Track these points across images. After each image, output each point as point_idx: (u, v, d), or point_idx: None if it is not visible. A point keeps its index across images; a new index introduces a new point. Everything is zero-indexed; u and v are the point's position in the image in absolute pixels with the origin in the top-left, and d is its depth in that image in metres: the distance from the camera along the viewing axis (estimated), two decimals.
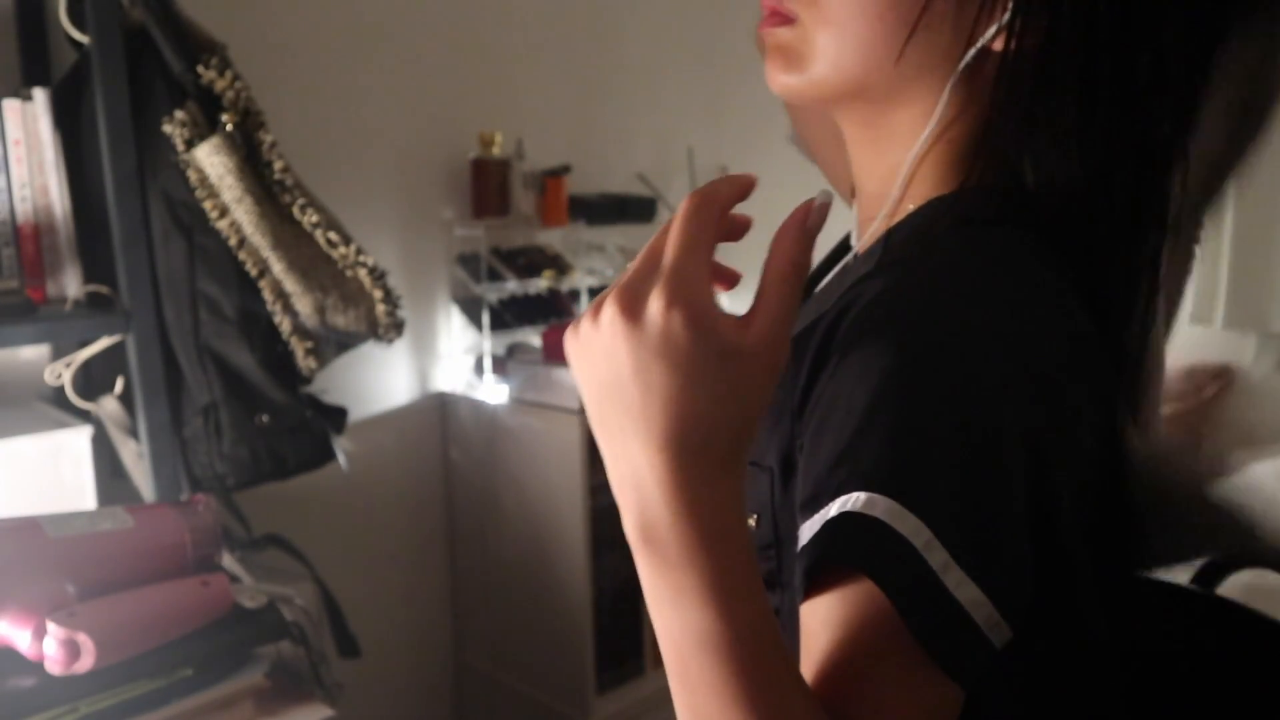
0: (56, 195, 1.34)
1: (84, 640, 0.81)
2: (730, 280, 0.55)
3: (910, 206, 0.63)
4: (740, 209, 0.52)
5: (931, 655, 0.47)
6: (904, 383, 0.50)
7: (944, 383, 0.50)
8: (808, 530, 0.51)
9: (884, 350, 0.51)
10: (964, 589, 0.47)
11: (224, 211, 1.30)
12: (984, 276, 0.55)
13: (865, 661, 0.48)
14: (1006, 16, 0.57)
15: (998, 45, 0.58)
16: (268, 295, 1.33)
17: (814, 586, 0.50)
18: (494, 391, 2.11)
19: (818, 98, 0.64)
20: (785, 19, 0.62)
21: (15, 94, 1.33)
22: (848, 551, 0.48)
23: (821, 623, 0.50)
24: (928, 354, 0.51)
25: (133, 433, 1.37)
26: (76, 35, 1.34)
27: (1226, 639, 0.75)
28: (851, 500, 0.48)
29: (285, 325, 1.35)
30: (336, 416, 1.47)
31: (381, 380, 2.07)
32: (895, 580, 0.47)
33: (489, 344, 2.15)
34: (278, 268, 1.33)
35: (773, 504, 0.59)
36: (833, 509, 0.49)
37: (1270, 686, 0.73)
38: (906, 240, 0.61)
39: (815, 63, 0.62)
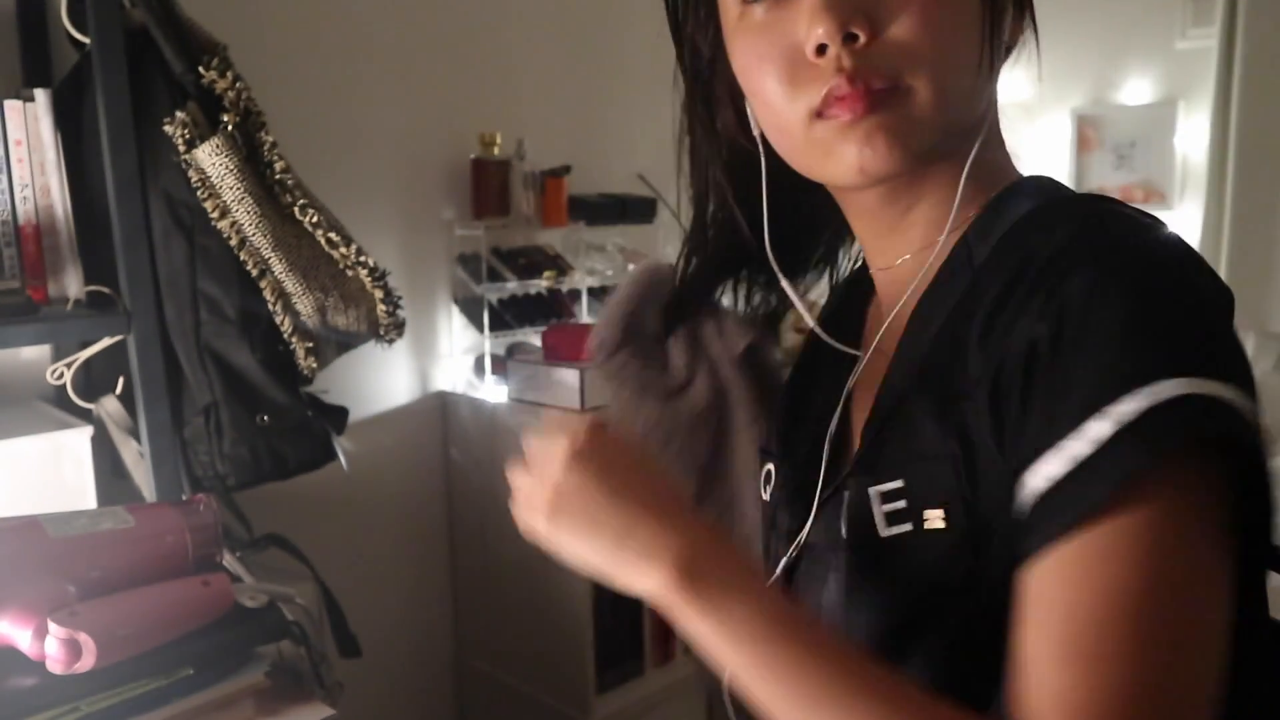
0: (58, 195, 1.34)
1: (85, 640, 0.81)
2: None
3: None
4: None
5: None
6: (1143, 305, 0.52)
7: (1180, 301, 0.52)
8: (1060, 465, 0.51)
9: (1099, 292, 0.52)
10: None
11: (225, 212, 1.30)
12: (1139, 223, 0.58)
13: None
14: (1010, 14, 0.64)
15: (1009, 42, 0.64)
16: (268, 295, 1.33)
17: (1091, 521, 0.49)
18: (494, 391, 2.11)
19: (913, 166, 0.62)
20: (880, 90, 0.59)
21: (16, 94, 1.33)
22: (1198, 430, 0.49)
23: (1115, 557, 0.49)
24: (1149, 283, 0.52)
25: (133, 432, 1.37)
26: (78, 36, 1.34)
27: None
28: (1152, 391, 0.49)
29: (286, 325, 1.35)
30: (337, 416, 1.47)
31: (382, 380, 2.07)
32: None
33: (489, 344, 2.15)
34: (278, 268, 1.33)
35: (961, 490, 0.57)
36: (1128, 411, 0.49)
37: (1269, 686, 0.72)
38: (1009, 229, 0.62)
39: (926, 125, 0.60)
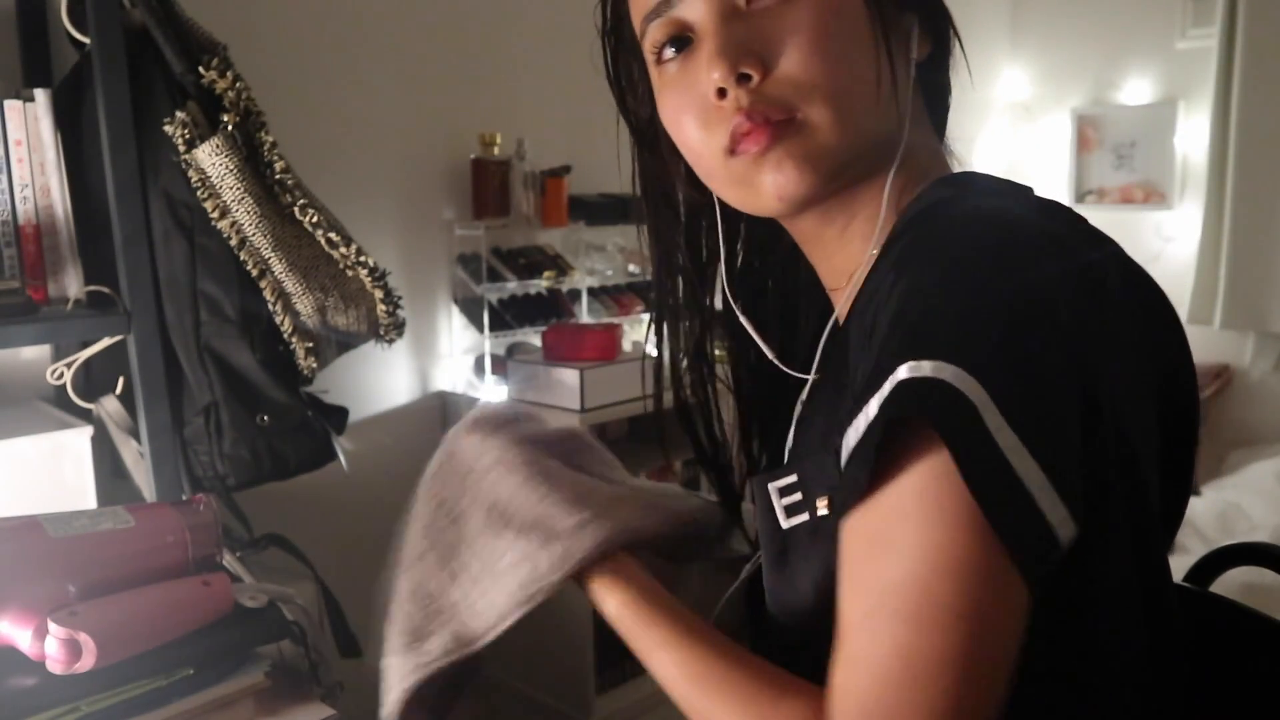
0: (58, 195, 1.34)
1: (85, 640, 0.81)
2: None
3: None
4: None
5: (989, 520, 0.49)
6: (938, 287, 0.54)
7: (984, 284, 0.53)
8: (851, 436, 0.54)
9: (921, 273, 0.55)
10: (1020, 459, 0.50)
11: (225, 212, 1.30)
12: (991, 210, 0.59)
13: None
14: (915, 30, 0.67)
15: (916, 56, 0.67)
16: (268, 295, 1.33)
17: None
18: (494, 391, 2.11)
19: (830, 187, 0.66)
20: (780, 121, 0.62)
21: (16, 95, 1.33)
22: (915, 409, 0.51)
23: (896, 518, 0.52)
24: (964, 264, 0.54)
25: (133, 432, 1.37)
26: (78, 36, 1.34)
27: (1222, 637, 0.75)
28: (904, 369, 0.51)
29: (286, 325, 1.35)
30: (337, 416, 1.47)
31: (382, 380, 2.07)
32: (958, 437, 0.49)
33: (489, 344, 2.15)
34: (278, 268, 1.33)
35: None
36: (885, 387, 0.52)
37: (1267, 685, 0.73)
38: (896, 234, 0.65)
39: (831, 148, 0.63)
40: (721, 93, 0.63)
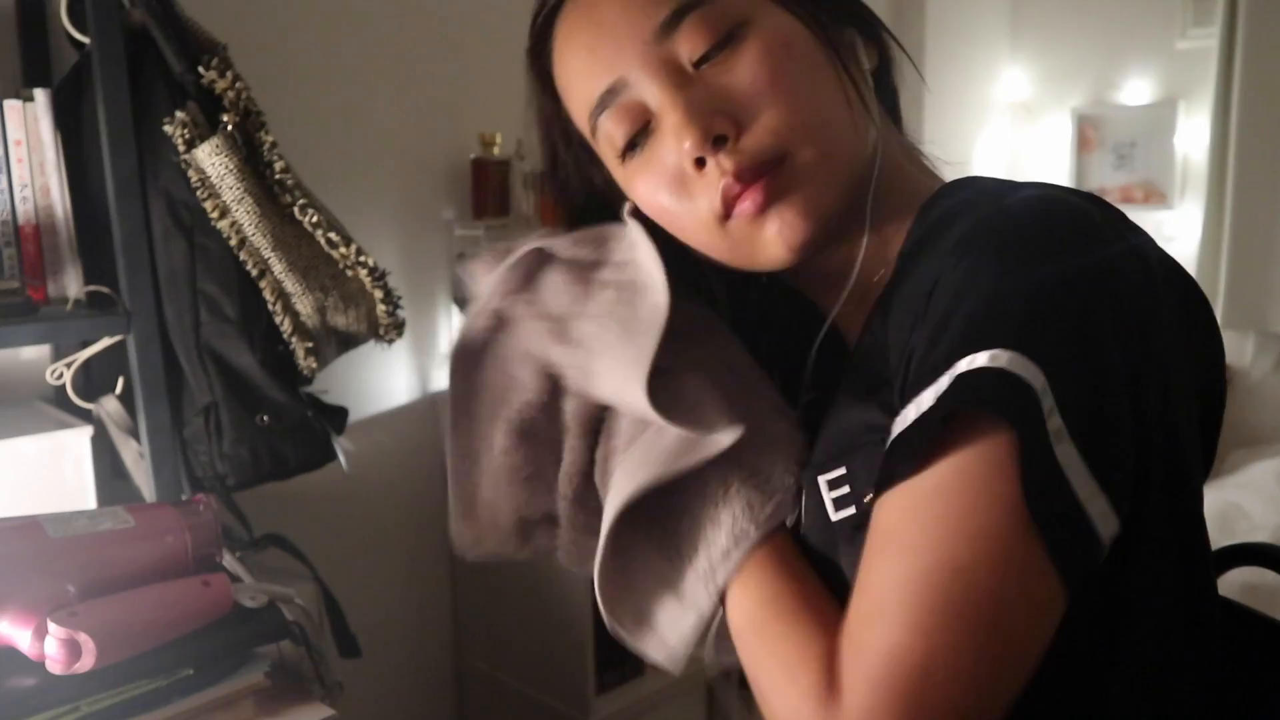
0: (57, 195, 1.34)
1: (85, 640, 0.81)
2: None
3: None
4: None
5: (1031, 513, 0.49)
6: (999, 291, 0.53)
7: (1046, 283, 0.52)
8: (899, 423, 0.54)
9: (981, 269, 0.54)
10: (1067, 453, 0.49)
11: (224, 212, 1.30)
12: (1045, 197, 0.58)
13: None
14: (859, 41, 0.67)
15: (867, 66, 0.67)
16: (268, 295, 1.33)
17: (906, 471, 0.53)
18: None
19: (835, 224, 0.64)
20: (771, 174, 0.60)
21: (16, 94, 1.33)
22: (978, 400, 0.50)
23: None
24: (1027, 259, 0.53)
25: (133, 433, 1.37)
26: (77, 36, 1.34)
27: (1223, 637, 0.75)
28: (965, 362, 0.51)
29: (286, 325, 1.35)
30: (337, 416, 1.47)
31: (382, 380, 2.07)
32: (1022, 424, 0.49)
33: None
34: (278, 268, 1.33)
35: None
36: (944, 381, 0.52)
37: (1267, 685, 0.73)
38: (924, 233, 0.63)
39: (827, 183, 0.62)
40: (700, 162, 0.61)
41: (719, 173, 0.61)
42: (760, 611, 0.61)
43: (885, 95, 0.71)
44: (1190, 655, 0.58)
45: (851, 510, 0.61)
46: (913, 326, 0.57)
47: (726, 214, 0.62)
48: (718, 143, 0.61)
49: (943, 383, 0.52)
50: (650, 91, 0.63)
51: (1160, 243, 0.61)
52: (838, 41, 0.64)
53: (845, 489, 0.62)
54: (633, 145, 0.65)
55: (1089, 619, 0.55)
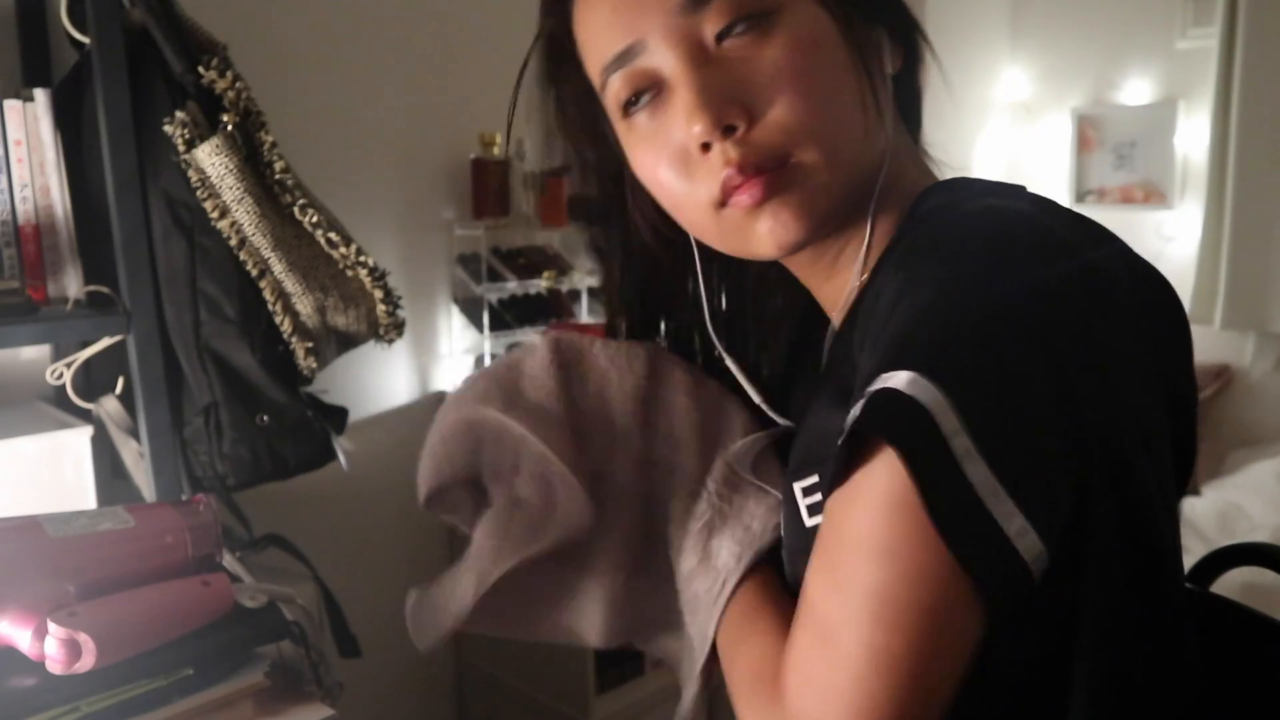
0: (57, 195, 1.34)
1: (85, 640, 0.81)
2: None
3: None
4: None
5: (939, 530, 0.49)
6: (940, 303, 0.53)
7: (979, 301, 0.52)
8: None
9: (923, 285, 0.54)
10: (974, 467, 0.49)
11: (224, 212, 1.30)
12: (989, 211, 0.58)
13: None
14: (886, 42, 0.67)
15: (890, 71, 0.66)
16: (268, 295, 1.33)
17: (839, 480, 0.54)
18: None
19: (827, 227, 0.64)
20: (773, 170, 0.60)
21: (16, 94, 1.33)
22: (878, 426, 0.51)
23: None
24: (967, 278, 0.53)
25: (133, 433, 1.37)
26: (78, 36, 1.34)
27: (1222, 637, 0.75)
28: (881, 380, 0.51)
29: (286, 325, 1.35)
30: (337, 416, 1.47)
31: (382, 380, 2.07)
32: (915, 452, 0.49)
33: (489, 344, 2.15)
34: (278, 268, 1.33)
35: None
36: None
37: (1266, 685, 0.73)
38: (891, 245, 0.64)
39: (826, 188, 0.61)
40: (706, 146, 0.61)
41: (723, 160, 0.60)
42: (734, 629, 0.66)
43: (907, 97, 0.70)
44: (1156, 675, 0.57)
45: (821, 517, 0.61)
46: (862, 345, 0.58)
47: (723, 202, 0.62)
48: (727, 131, 0.60)
49: (862, 401, 0.52)
50: (668, 62, 0.62)
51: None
52: (864, 42, 0.64)
53: (818, 496, 0.63)
54: (637, 99, 0.65)
55: (1036, 641, 0.54)
